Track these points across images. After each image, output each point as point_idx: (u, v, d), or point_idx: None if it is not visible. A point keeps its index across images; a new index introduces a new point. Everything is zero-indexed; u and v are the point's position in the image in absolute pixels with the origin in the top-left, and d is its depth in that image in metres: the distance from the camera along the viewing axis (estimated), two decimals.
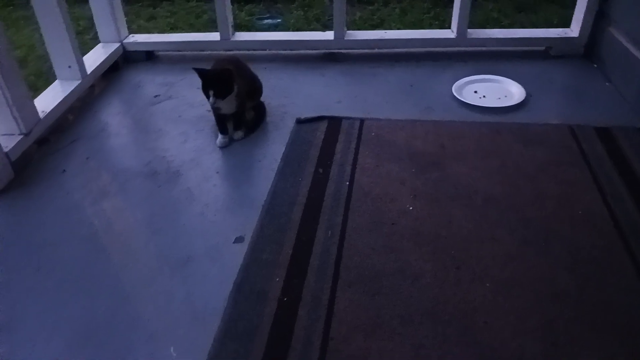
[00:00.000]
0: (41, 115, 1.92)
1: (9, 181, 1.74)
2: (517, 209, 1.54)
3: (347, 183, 1.67)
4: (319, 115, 1.99)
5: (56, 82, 2.15)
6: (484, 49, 2.41)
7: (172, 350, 1.21)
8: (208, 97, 1.76)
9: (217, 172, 1.77)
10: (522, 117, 1.95)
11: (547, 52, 2.37)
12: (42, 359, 1.20)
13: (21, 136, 1.82)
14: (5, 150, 1.75)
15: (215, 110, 1.83)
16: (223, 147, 1.87)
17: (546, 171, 1.68)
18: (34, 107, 1.90)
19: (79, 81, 2.13)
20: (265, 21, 3.53)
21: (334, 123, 1.96)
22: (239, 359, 1.17)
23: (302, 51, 2.48)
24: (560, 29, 2.37)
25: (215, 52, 2.44)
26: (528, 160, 1.73)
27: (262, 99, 2.04)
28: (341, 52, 2.44)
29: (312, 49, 2.47)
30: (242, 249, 1.45)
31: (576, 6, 2.30)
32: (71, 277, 1.40)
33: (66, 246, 1.49)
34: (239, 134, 1.91)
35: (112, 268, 1.42)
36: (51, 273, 1.41)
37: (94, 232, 1.53)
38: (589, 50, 2.31)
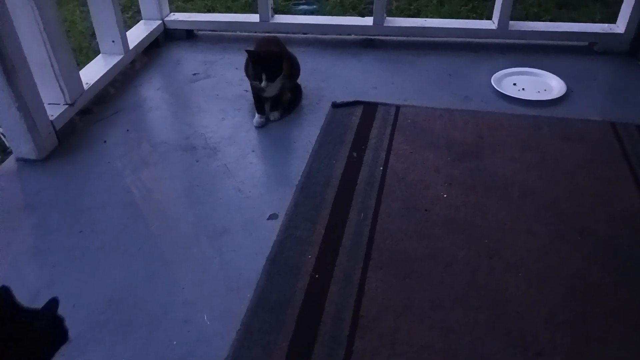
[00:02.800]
0: (85, 86, 1.98)
1: (54, 148, 1.80)
2: (553, 204, 1.53)
3: (381, 168, 1.68)
4: (355, 99, 1.99)
5: (100, 55, 2.20)
6: (524, 41, 2.36)
7: (205, 317, 1.24)
8: (259, 79, 1.77)
9: (253, 151, 1.79)
10: (562, 112, 1.92)
11: (591, 47, 2.32)
12: (82, 317, 1.25)
13: (66, 106, 1.88)
14: (51, 118, 1.81)
15: (259, 91, 1.85)
16: (259, 127, 1.89)
17: (585, 167, 1.66)
18: (79, 78, 1.95)
19: (122, 56, 2.18)
20: (301, 7, 3.53)
21: (369, 108, 1.96)
22: (271, 330, 1.20)
23: (341, 36, 2.48)
24: (606, 25, 2.31)
25: (254, 33, 2.47)
26: (567, 156, 1.71)
27: (299, 81, 2.05)
28: (379, 39, 2.43)
29: (350, 35, 2.47)
30: (276, 225, 1.48)
31: (623, 2, 2.24)
32: (112, 240, 1.45)
33: (107, 211, 1.54)
34: (275, 115, 1.93)
35: (151, 234, 1.47)
36: (93, 236, 1.47)
37: (134, 199, 1.58)
38: (635, 48, 2.25)
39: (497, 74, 2.12)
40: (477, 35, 2.38)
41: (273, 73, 1.78)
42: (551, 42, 2.36)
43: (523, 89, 2.05)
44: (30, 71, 1.69)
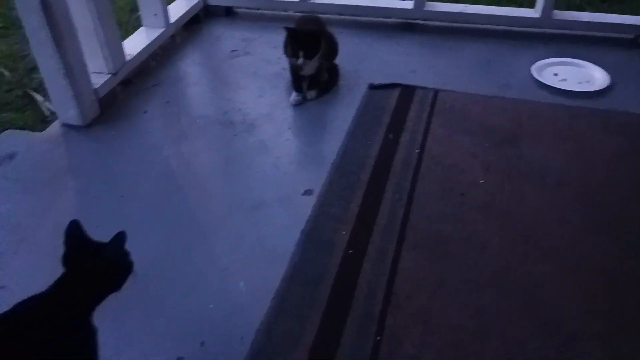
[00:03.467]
0: (127, 57, 2.02)
1: (96, 116, 1.85)
2: (591, 194, 1.51)
3: (417, 151, 1.67)
4: (392, 82, 1.99)
5: (142, 28, 2.24)
6: (567, 31, 2.31)
7: (241, 285, 1.28)
8: (297, 56, 1.78)
9: (289, 128, 1.81)
10: (604, 104, 1.88)
11: (636, 40, 2.25)
12: None
13: (109, 75, 1.92)
14: (95, 87, 1.85)
15: (297, 70, 1.86)
16: (296, 105, 1.91)
17: (625, 161, 1.63)
18: (122, 49, 1.99)
19: (163, 29, 2.21)
20: None
21: (407, 91, 1.95)
22: (305, 302, 1.23)
23: (380, 19, 2.46)
24: None
25: (292, 12, 2.47)
26: (607, 148, 1.67)
27: (336, 62, 2.05)
28: (418, 23, 2.41)
29: (389, 17, 2.45)
30: (311, 202, 1.49)
31: None
32: (151, 207, 1.49)
33: (147, 180, 1.59)
34: (312, 94, 1.94)
35: (189, 203, 1.51)
36: (133, 201, 1.51)
37: (173, 169, 1.62)
38: None
39: (537, 63, 2.08)
40: (519, 24, 2.33)
41: (311, 51, 1.79)
42: (595, 34, 2.30)
43: (564, 79, 2.01)
44: (77, 40, 1.73)
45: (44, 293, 0.94)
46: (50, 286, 0.95)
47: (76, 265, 0.96)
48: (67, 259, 0.97)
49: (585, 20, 2.29)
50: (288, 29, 1.81)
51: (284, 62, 2.02)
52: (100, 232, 1.41)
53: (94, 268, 0.96)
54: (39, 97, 2.06)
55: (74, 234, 1.00)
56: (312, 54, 1.79)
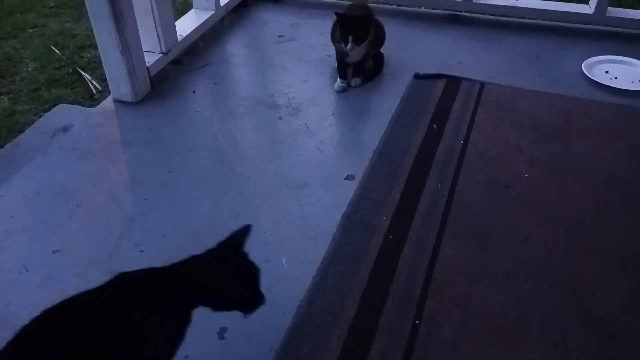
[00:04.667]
0: (179, 38, 2.07)
1: (147, 93, 1.91)
2: None
3: (462, 142, 1.67)
4: (438, 72, 1.98)
5: (192, 10, 2.29)
6: (620, 29, 2.25)
7: (284, 260, 1.31)
8: (346, 41, 1.80)
9: (333, 114, 1.83)
10: None
11: None
12: (171, 245, 1.35)
13: (161, 54, 1.98)
14: (147, 65, 1.91)
15: (343, 56, 1.87)
16: (340, 92, 1.92)
17: None
18: (175, 29, 2.05)
19: (212, 12, 2.26)
20: None
21: (453, 82, 1.94)
22: (346, 279, 1.25)
23: (427, 10, 2.45)
24: None
25: (340, 0, 2.48)
26: None
27: (382, 51, 2.06)
28: (466, 15, 2.39)
29: (437, 9, 2.43)
30: (353, 186, 1.51)
31: None
32: (200, 180, 1.54)
33: (196, 154, 1.64)
34: (356, 81, 1.95)
35: (236, 179, 1.55)
36: (182, 175, 1.56)
37: (221, 146, 1.67)
38: None
39: (588, 60, 2.03)
40: (571, 19, 2.28)
41: (360, 37, 1.80)
42: None
43: (616, 77, 1.96)
44: (134, 18, 1.79)
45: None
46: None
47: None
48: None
49: (639, 18, 2.22)
50: (338, 14, 1.83)
51: (329, 49, 2.03)
52: (150, 204, 1.48)
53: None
54: (87, 76, 2.14)
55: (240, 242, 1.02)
56: (361, 40, 1.80)
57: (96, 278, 1.26)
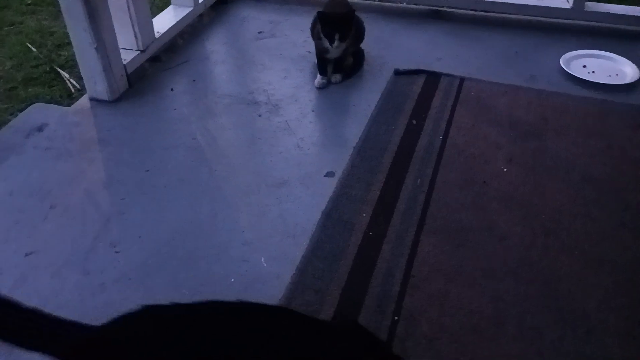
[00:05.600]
0: (156, 35, 2.04)
1: (124, 91, 1.88)
2: (617, 192, 1.49)
3: (441, 138, 1.67)
4: (417, 68, 1.98)
5: (170, 7, 2.26)
6: (598, 24, 2.26)
7: (262, 260, 1.30)
8: (332, 40, 1.78)
9: (313, 111, 1.82)
10: (634, 99, 1.85)
11: None
12: (147, 246, 1.34)
13: (138, 52, 1.95)
14: (124, 62, 1.88)
15: (323, 52, 1.86)
16: (321, 88, 1.91)
17: None
18: (152, 26, 2.01)
19: (191, 8, 2.23)
20: None
21: (432, 78, 1.94)
22: (325, 277, 1.25)
23: (406, 5, 2.44)
24: None
25: None
26: (636, 145, 1.65)
27: (362, 47, 2.05)
28: (446, 11, 2.39)
29: (417, 5, 2.43)
30: (332, 183, 1.51)
31: None
32: (177, 180, 1.53)
33: (174, 153, 1.62)
34: (337, 77, 1.94)
35: (214, 178, 1.54)
36: (159, 174, 1.55)
37: (199, 144, 1.65)
38: None
39: (566, 54, 2.05)
40: (549, 15, 2.30)
41: (345, 33, 1.79)
42: (627, 27, 2.25)
43: (593, 71, 1.99)
44: (110, 15, 1.76)
45: None
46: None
47: None
48: None
49: (618, 12, 2.24)
50: (321, 14, 1.81)
51: (309, 45, 2.02)
52: (126, 204, 1.46)
53: None
54: (64, 74, 2.10)
55: None
56: (346, 36, 1.80)
57: (71, 279, 1.26)
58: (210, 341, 0.75)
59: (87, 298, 1.22)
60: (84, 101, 1.86)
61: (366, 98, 1.86)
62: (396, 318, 1.17)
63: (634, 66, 1.98)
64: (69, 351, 0.77)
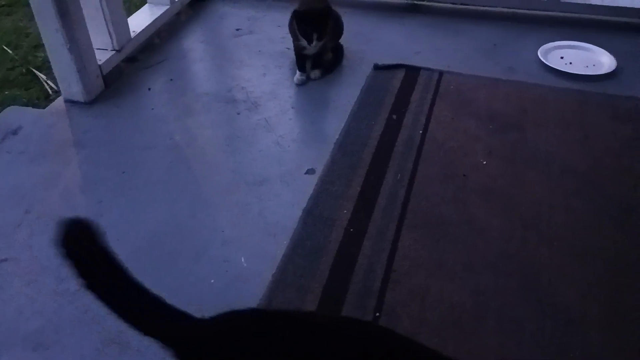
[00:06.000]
0: (132, 34, 2.01)
1: (100, 92, 1.85)
2: (596, 183, 1.50)
3: (421, 132, 1.67)
4: (397, 63, 1.98)
5: (146, 5, 2.23)
6: (575, 15, 2.28)
7: (243, 259, 1.29)
8: (310, 39, 1.77)
9: (293, 107, 1.81)
10: (611, 89, 1.86)
11: None
12: (126, 248, 1.30)
13: (113, 52, 1.92)
14: (99, 63, 1.85)
15: (301, 49, 1.85)
16: (300, 85, 1.90)
17: (632, 148, 1.61)
18: (127, 25, 1.98)
19: (168, 6, 2.20)
20: None
21: (411, 72, 1.94)
22: (306, 275, 1.25)
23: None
24: None
25: None
26: (613, 135, 1.66)
27: (341, 42, 2.04)
28: (425, 4, 2.39)
29: None
30: (313, 180, 1.50)
31: None
32: (156, 180, 1.51)
33: (152, 154, 1.60)
34: (316, 74, 1.93)
35: (193, 177, 1.52)
36: (137, 175, 1.53)
37: (177, 144, 1.63)
38: None
39: (544, 46, 2.06)
40: (527, 6, 2.31)
41: (323, 31, 1.78)
42: (603, 18, 2.27)
43: (570, 62, 2.00)
44: (83, 15, 1.72)
45: None
46: None
47: None
48: None
49: (594, 3, 2.25)
50: (297, 13, 1.80)
51: (288, 41, 2.01)
52: (104, 206, 1.44)
53: None
54: (41, 75, 2.06)
55: None
56: (324, 34, 1.79)
57: (47, 286, 1.23)
58: (314, 353, 0.73)
59: (64, 305, 1.19)
60: (59, 103, 1.83)
61: (346, 93, 1.86)
62: (377, 314, 1.17)
63: (610, 56, 2.00)
64: (180, 340, 0.77)
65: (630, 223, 1.38)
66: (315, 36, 1.76)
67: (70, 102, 1.81)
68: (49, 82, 2.02)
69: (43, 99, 1.97)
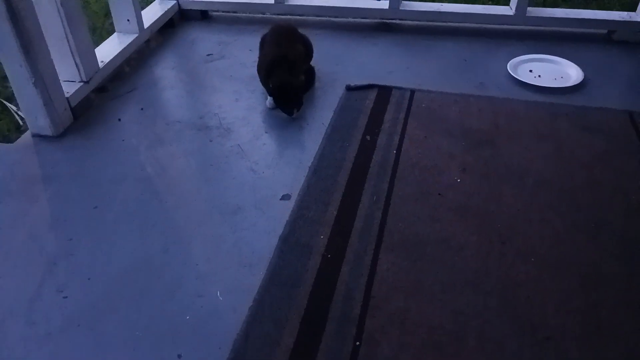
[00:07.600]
0: (100, 64, 1.98)
1: (69, 125, 1.81)
2: (569, 194, 1.51)
3: (395, 152, 1.67)
4: (369, 83, 1.98)
5: (115, 34, 2.20)
6: (542, 28, 2.33)
7: (218, 293, 1.26)
8: (290, 112, 1.80)
9: (266, 132, 1.80)
10: (579, 100, 1.90)
11: (610, 36, 2.28)
12: (98, 286, 1.28)
13: (81, 83, 1.89)
14: (67, 95, 1.82)
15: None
16: (273, 109, 1.89)
17: (602, 159, 1.64)
18: (95, 56, 1.95)
19: (137, 35, 2.18)
20: None
21: (384, 92, 1.95)
22: (283, 306, 1.22)
23: (356, 19, 2.46)
24: (625, 13, 2.27)
25: (268, 15, 2.46)
26: (584, 147, 1.68)
27: (312, 64, 2.04)
28: (395, 23, 2.42)
29: (365, 18, 2.45)
30: (289, 206, 1.48)
31: None
32: (127, 214, 1.47)
33: (122, 187, 1.56)
34: (296, 113, 1.91)
35: (165, 210, 1.49)
36: (107, 209, 1.49)
37: (148, 176, 1.60)
38: None
39: (513, 60, 2.10)
40: (494, 21, 2.35)
41: (301, 101, 1.82)
42: (569, 30, 2.33)
43: (539, 75, 2.03)
44: (47, 47, 1.69)
45: None
46: None
47: None
48: None
49: (559, 16, 2.31)
50: (273, 87, 1.79)
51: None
52: (74, 244, 1.40)
53: None
54: (12, 107, 2.02)
55: None
56: (301, 103, 1.82)
57: (15, 331, 1.19)
58: None
59: (33, 350, 1.15)
60: (26, 138, 1.78)
61: (319, 116, 1.85)
62: (358, 343, 1.14)
63: (577, 68, 2.04)
64: None
65: (603, 236, 1.39)
66: (296, 110, 1.80)
67: (38, 136, 1.77)
68: (19, 112, 1.97)
69: (14, 130, 1.92)
